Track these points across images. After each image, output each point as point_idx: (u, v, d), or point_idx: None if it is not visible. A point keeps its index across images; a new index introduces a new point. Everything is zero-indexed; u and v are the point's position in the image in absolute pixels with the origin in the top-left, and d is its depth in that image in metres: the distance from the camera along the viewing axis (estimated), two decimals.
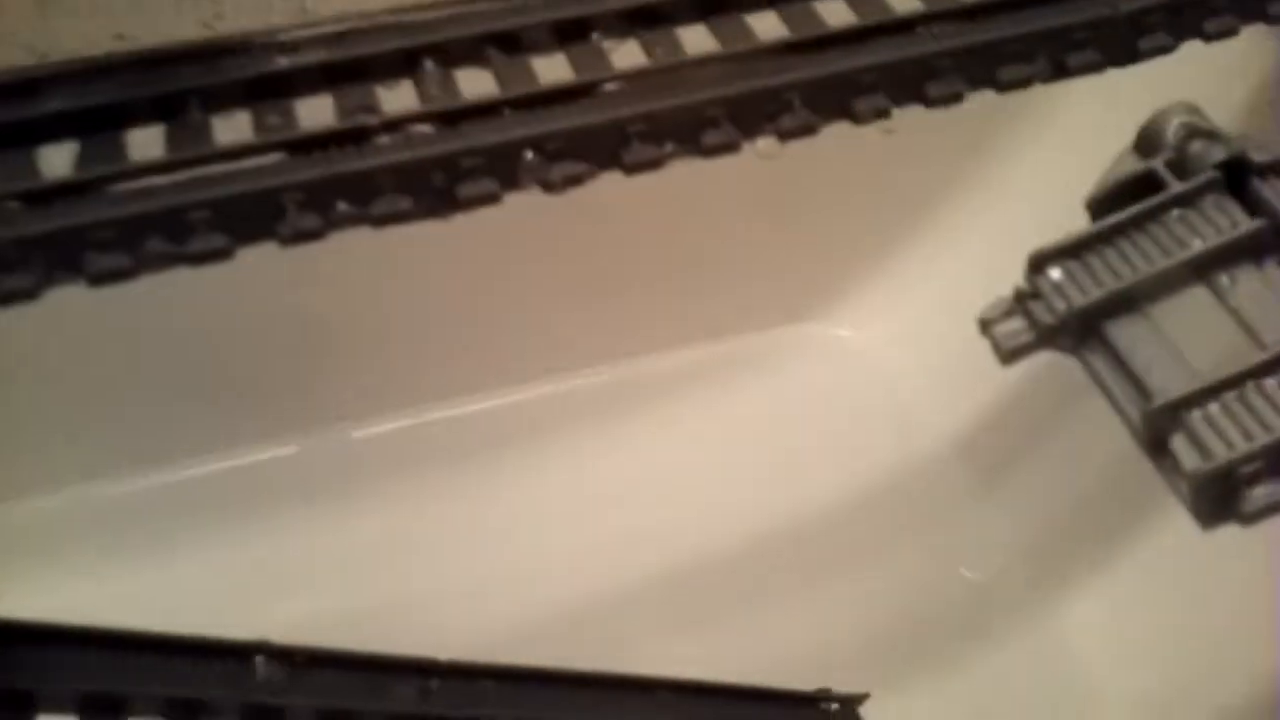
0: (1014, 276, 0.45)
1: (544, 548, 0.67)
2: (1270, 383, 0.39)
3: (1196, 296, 0.42)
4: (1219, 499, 0.38)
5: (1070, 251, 0.43)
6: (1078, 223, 0.45)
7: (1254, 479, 0.38)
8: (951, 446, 0.68)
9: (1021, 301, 0.43)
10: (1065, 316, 0.42)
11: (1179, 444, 0.39)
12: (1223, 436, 0.38)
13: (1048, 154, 0.71)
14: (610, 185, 0.41)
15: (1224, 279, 0.42)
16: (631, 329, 0.73)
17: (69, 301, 0.36)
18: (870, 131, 0.47)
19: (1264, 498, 0.37)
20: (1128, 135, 0.46)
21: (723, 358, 0.75)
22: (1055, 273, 0.43)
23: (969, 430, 0.69)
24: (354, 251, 0.40)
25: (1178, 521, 0.60)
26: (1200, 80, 0.48)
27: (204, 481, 0.68)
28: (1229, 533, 0.59)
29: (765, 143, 0.43)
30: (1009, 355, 0.43)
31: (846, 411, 0.72)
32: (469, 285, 0.71)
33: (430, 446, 0.71)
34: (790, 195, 0.73)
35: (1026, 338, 0.43)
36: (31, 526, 0.65)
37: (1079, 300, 0.42)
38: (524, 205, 0.40)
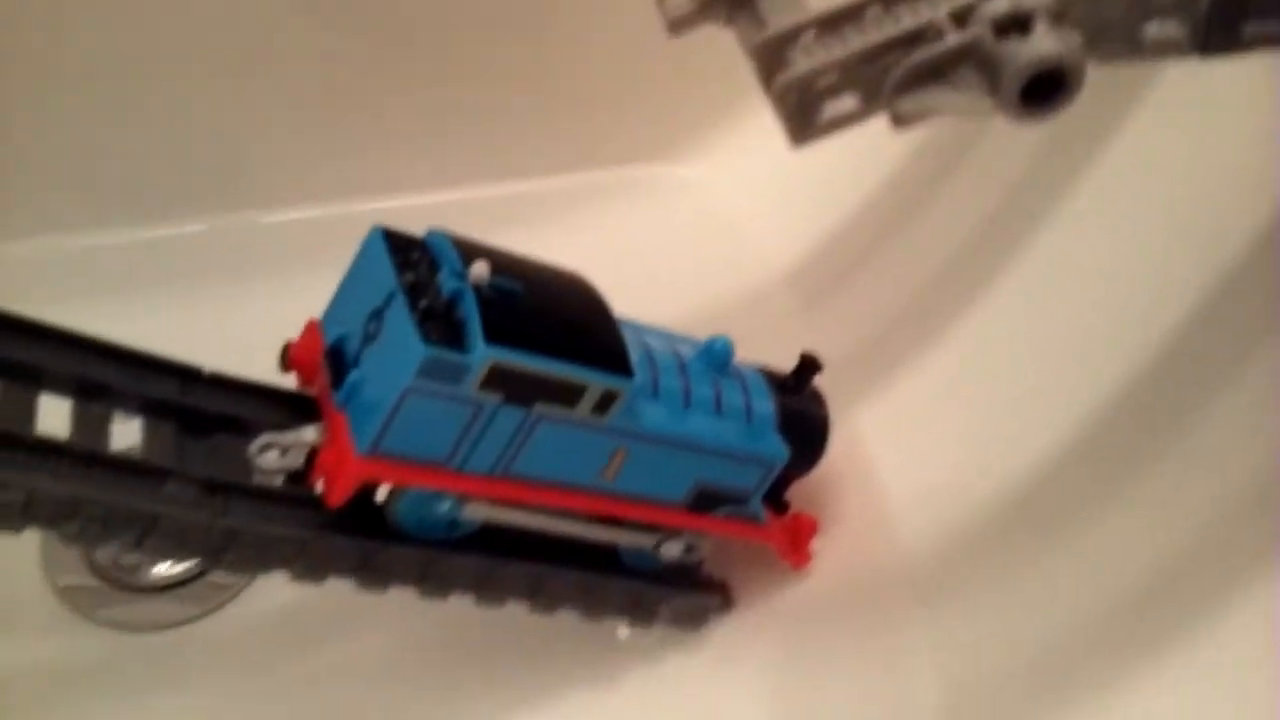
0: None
1: None
2: (870, 13, 0.40)
3: None
4: (803, 115, 0.39)
5: None
6: None
7: (831, 91, 0.39)
8: (782, 276, 0.70)
9: None
10: None
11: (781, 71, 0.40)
12: (811, 57, 0.39)
13: None
14: None
15: None
16: (488, 156, 0.76)
17: None
18: None
19: (833, 111, 0.39)
20: None
21: (577, 190, 0.78)
22: None
23: (799, 261, 0.71)
24: None
25: (964, 344, 0.61)
26: None
27: (111, 251, 0.74)
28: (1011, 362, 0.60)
29: None
30: (674, 26, 0.45)
31: (689, 245, 0.74)
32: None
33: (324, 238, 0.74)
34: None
35: (689, 8, 0.45)
36: None
37: None
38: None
